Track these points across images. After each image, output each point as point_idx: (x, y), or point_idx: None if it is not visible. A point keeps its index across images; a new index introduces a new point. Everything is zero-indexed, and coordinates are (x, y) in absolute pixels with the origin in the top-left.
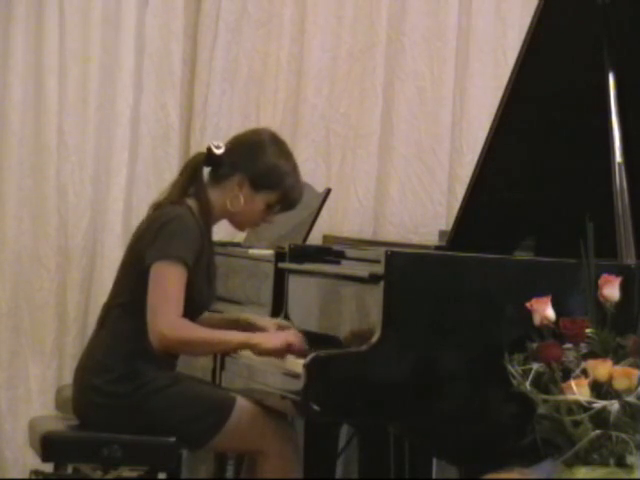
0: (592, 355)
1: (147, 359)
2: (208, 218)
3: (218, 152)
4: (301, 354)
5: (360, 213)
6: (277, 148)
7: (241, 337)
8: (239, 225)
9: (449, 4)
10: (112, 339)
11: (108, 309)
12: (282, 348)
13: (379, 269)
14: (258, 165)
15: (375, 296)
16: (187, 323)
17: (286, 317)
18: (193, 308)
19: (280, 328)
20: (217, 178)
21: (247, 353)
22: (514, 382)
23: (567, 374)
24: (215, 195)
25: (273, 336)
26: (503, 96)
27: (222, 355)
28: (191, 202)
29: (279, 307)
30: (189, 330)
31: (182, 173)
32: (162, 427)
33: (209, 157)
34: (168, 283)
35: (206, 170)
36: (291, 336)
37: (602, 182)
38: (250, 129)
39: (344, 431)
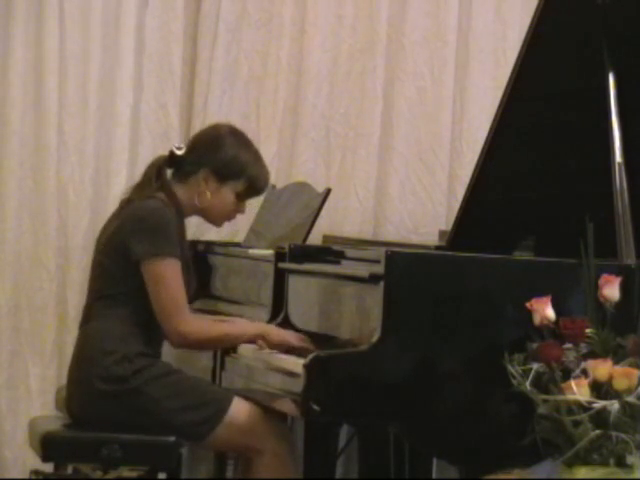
0: (592, 355)
1: (141, 342)
2: (179, 208)
3: (179, 152)
4: (301, 354)
5: (360, 213)
6: (235, 139)
7: (254, 328)
8: (214, 220)
9: (449, 4)
10: (106, 325)
11: (91, 305)
12: (282, 344)
13: (379, 269)
14: (219, 157)
15: (375, 296)
16: (203, 321)
17: (286, 317)
18: None
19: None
20: (181, 177)
21: (247, 353)
22: (514, 382)
23: (567, 374)
24: (181, 193)
25: (280, 330)
26: (503, 96)
27: (222, 354)
28: (161, 195)
29: (279, 307)
30: (207, 328)
31: (145, 175)
32: (161, 415)
33: (171, 158)
34: (170, 282)
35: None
36: (293, 338)
37: (602, 182)
38: (209, 125)
39: (344, 431)
